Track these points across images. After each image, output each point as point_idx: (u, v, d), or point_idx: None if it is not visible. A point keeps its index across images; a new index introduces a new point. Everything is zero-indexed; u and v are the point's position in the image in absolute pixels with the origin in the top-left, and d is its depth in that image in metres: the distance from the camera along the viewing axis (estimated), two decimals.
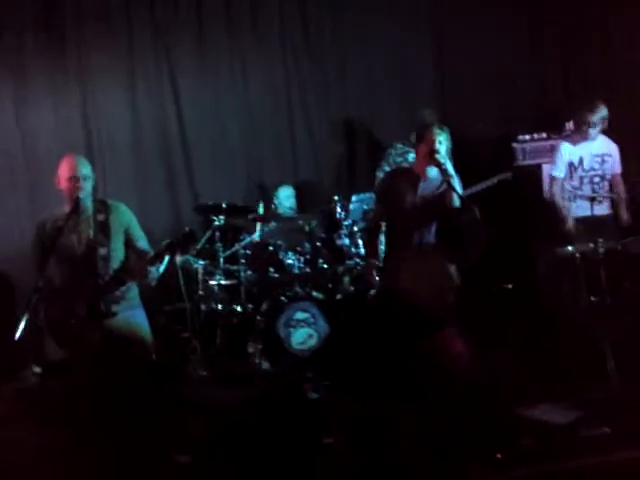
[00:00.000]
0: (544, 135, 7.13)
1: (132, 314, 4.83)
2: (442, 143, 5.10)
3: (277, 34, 7.47)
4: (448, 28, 7.60)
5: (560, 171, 6.34)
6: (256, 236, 6.56)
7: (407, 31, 7.57)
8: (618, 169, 6.38)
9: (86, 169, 4.82)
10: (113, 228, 4.80)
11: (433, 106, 6.97)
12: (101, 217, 4.77)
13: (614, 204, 6.34)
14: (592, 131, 6.18)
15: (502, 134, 7.31)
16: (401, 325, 5.12)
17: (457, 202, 5.06)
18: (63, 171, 4.79)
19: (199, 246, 6.27)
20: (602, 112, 6.15)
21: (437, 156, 5.05)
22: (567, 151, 6.33)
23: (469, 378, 4.75)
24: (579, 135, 6.32)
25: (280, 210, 7.02)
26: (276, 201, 7.06)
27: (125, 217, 4.90)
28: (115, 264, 4.81)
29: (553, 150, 6.58)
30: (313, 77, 7.55)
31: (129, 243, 4.89)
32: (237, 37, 7.36)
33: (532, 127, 7.20)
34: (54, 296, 4.65)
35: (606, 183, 6.34)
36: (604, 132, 6.27)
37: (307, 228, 6.54)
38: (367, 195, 6.67)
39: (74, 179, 4.73)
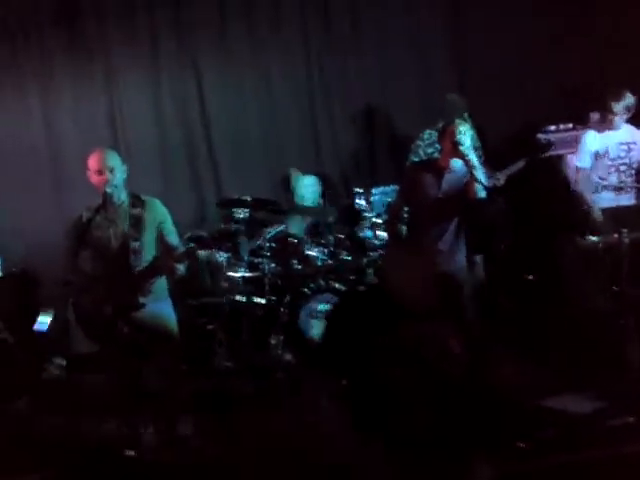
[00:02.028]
0: (570, 125, 7.07)
1: (159, 307, 4.85)
2: (465, 134, 5.09)
3: (298, 26, 7.46)
4: (469, 16, 7.53)
5: (584, 161, 6.30)
6: (279, 229, 6.56)
7: (427, 19, 7.56)
8: None
9: (113, 160, 4.82)
10: (146, 223, 4.82)
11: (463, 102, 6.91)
12: (135, 211, 4.79)
13: None
14: (617, 120, 6.13)
15: (526, 124, 7.26)
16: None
17: (482, 193, 5.05)
18: (91, 165, 4.81)
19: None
20: (628, 100, 6.09)
21: (461, 148, 5.05)
22: (591, 140, 6.28)
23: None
24: (604, 124, 6.27)
25: (302, 200, 7.00)
26: (298, 191, 7.01)
27: (159, 212, 4.92)
28: (146, 258, 4.83)
29: (578, 141, 6.54)
30: (334, 69, 7.52)
31: (161, 238, 4.92)
32: (259, 31, 7.36)
33: (557, 117, 7.14)
34: (85, 289, 4.67)
35: (633, 172, 6.28)
36: (629, 120, 6.22)
37: (328, 220, 6.54)
38: (389, 187, 6.67)
39: (100, 172, 4.74)
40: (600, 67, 7.21)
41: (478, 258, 5.86)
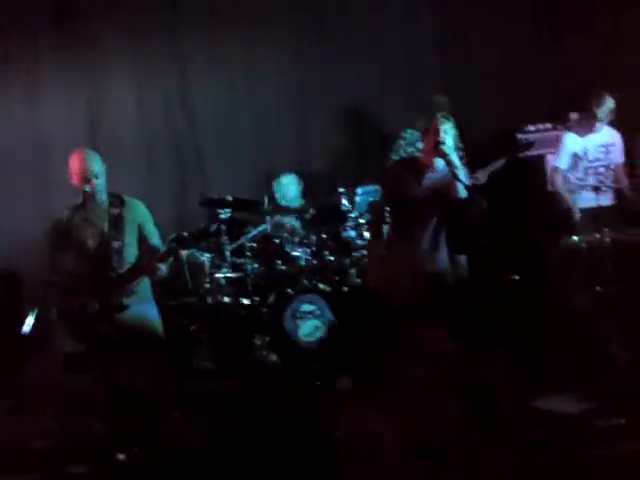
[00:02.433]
0: (549, 126, 7.12)
1: (143, 308, 4.84)
2: (447, 132, 5.11)
3: (286, 23, 7.49)
4: (453, 16, 7.58)
5: (563, 162, 6.35)
6: (262, 229, 6.54)
7: (413, 19, 7.61)
8: (620, 158, 6.38)
9: (96, 165, 4.80)
10: (127, 222, 4.81)
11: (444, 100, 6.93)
12: (115, 211, 4.78)
13: (619, 194, 6.33)
14: (599, 123, 6.18)
15: (506, 124, 7.29)
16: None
17: (463, 193, 5.06)
18: (73, 166, 4.78)
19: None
20: (609, 104, 6.14)
21: (442, 147, 5.06)
22: (571, 142, 6.33)
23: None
24: (584, 126, 6.32)
25: (283, 199, 7.00)
26: (278, 189, 6.98)
27: (140, 213, 4.91)
28: (129, 258, 4.82)
29: (558, 140, 6.58)
30: (321, 68, 7.53)
31: (142, 239, 4.88)
32: (246, 26, 7.36)
33: (537, 117, 7.18)
34: (67, 290, 4.66)
35: (611, 173, 6.35)
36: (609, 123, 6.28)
37: (307, 216, 6.57)
38: (373, 187, 6.67)
39: (85, 178, 4.72)
40: (581, 66, 7.25)
41: (461, 258, 5.87)
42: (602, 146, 6.31)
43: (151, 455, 4.60)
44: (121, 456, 4.65)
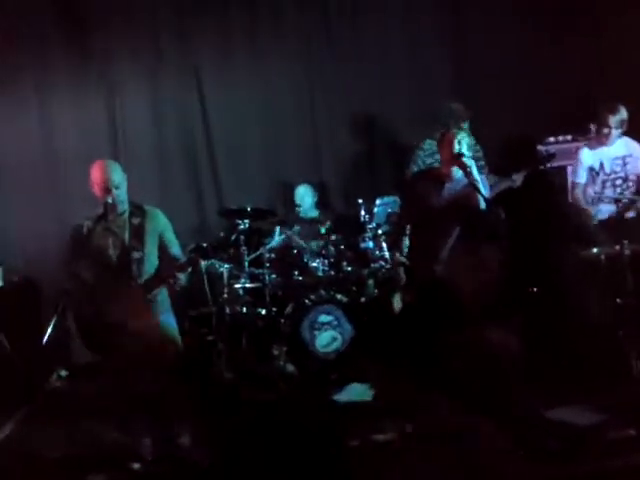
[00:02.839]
0: (569, 137, 7.10)
1: (162, 318, 4.86)
2: (461, 142, 5.12)
3: (299, 34, 7.52)
4: (468, 25, 7.62)
5: (580, 177, 6.33)
6: (280, 239, 6.56)
7: (427, 29, 7.66)
8: None
9: (118, 176, 4.85)
10: (148, 232, 4.85)
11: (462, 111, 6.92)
12: (136, 221, 4.82)
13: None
14: (612, 134, 6.13)
15: (524, 135, 7.27)
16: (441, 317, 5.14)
17: (482, 204, 5.06)
18: (95, 177, 4.83)
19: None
20: (622, 114, 6.10)
21: (462, 159, 5.08)
22: (586, 157, 6.30)
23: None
24: (598, 139, 6.27)
25: (302, 210, 7.04)
26: (297, 200, 7.07)
27: (160, 223, 4.95)
28: (149, 268, 4.84)
29: (577, 152, 6.55)
30: (334, 77, 7.57)
31: (162, 249, 4.91)
32: (260, 38, 7.40)
33: (555, 129, 7.16)
34: (85, 299, 4.68)
35: (630, 184, 6.29)
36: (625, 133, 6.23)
37: (323, 230, 6.57)
38: (391, 198, 6.68)
39: (106, 188, 4.76)
40: (600, 78, 7.22)
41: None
42: (618, 158, 6.25)
43: (166, 465, 4.64)
44: (136, 466, 4.69)
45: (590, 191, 6.31)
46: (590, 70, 7.33)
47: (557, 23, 7.43)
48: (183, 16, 7.21)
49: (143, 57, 7.17)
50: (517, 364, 4.92)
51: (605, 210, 6.23)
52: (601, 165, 6.26)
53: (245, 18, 7.38)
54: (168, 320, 4.94)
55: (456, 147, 5.12)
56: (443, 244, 5.23)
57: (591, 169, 6.28)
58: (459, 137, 5.13)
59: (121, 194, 4.82)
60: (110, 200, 4.75)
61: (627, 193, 6.26)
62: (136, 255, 4.78)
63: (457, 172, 5.21)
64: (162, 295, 4.93)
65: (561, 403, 4.59)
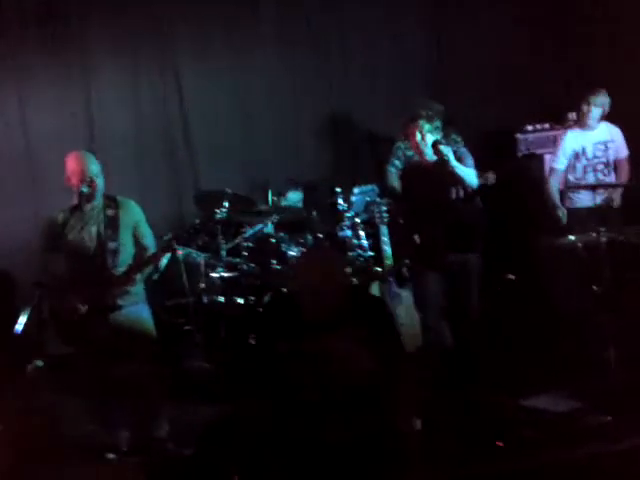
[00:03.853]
0: (547, 126, 7.12)
1: (136, 309, 4.83)
2: (430, 133, 5.17)
3: (278, 29, 7.46)
4: (449, 20, 7.61)
5: (560, 163, 6.35)
6: (257, 228, 6.53)
7: (408, 24, 7.61)
8: (622, 153, 6.33)
9: (96, 166, 4.80)
10: (122, 223, 4.81)
11: (434, 99, 6.92)
12: (110, 212, 4.78)
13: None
14: (593, 118, 6.15)
15: (504, 125, 7.28)
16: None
17: (471, 181, 5.16)
18: (71, 168, 4.77)
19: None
20: (603, 99, 6.12)
21: (439, 147, 5.11)
22: (569, 142, 6.31)
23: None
24: (581, 124, 6.30)
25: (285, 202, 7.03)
26: (285, 203, 7.02)
27: (134, 213, 4.91)
28: (124, 259, 4.81)
29: (556, 141, 6.57)
30: (315, 72, 7.54)
31: (136, 239, 4.90)
32: (238, 32, 7.33)
33: (534, 118, 7.17)
34: (61, 291, 4.65)
35: (611, 169, 6.31)
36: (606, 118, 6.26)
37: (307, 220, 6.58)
38: (369, 187, 6.65)
39: (82, 177, 4.71)
40: (577, 67, 7.23)
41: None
42: (600, 143, 6.28)
43: (143, 455, 4.64)
44: (112, 456, 4.68)
45: (570, 178, 6.32)
46: (569, 60, 7.33)
47: (535, 15, 7.41)
48: (161, 9, 7.13)
49: (121, 46, 7.08)
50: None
51: (584, 198, 6.23)
52: (583, 150, 6.27)
53: (224, 12, 7.30)
54: (143, 312, 4.90)
55: (418, 136, 5.18)
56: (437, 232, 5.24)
57: (574, 154, 6.28)
58: (425, 129, 5.17)
59: (99, 185, 4.77)
60: (86, 191, 4.70)
61: (607, 179, 6.27)
62: (112, 246, 4.74)
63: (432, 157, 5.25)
64: (137, 286, 4.89)
65: (536, 391, 4.62)
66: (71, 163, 4.78)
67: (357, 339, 5.16)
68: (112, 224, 4.74)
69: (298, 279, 5.69)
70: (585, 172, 6.31)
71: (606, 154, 6.28)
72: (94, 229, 4.75)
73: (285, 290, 6.11)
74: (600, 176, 6.29)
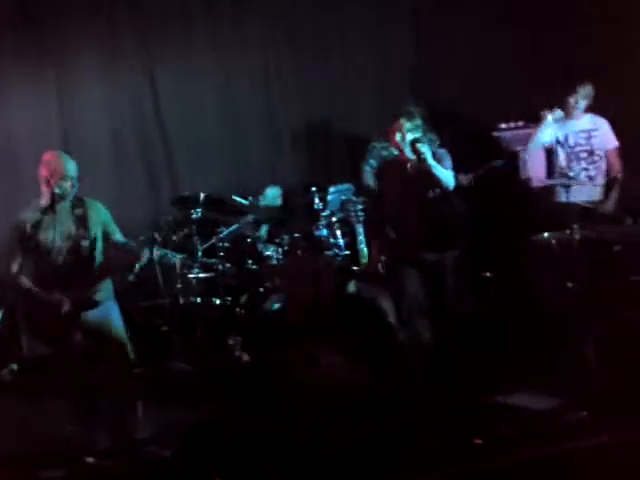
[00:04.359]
0: (521, 123, 7.13)
1: (107, 306, 4.84)
2: (410, 132, 5.18)
3: (258, 29, 7.44)
4: (428, 20, 7.62)
5: (532, 152, 6.34)
6: (233, 228, 6.51)
7: (386, 25, 7.59)
8: (610, 144, 6.31)
9: (74, 169, 4.79)
10: (91, 222, 4.81)
11: (412, 100, 6.94)
12: (79, 212, 4.78)
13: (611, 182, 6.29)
14: (578, 105, 6.17)
15: (479, 125, 7.31)
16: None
17: (447, 182, 5.19)
18: (50, 168, 4.72)
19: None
20: (587, 89, 6.15)
21: (417, 145, 5.14)
22: (550, 128, 6.29)
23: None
24: (566, 112, 6.29)
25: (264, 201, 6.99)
26: (263, 201, 6.98)
27: (101, 213, 4.92)
28: (96, 257, 4.82)
29: (529, 138, 6.59)
30: (293, 72, 7.54)
31: (106, 237, 4.89)
32: (218, 32, 7.32)
33: (509, 117, 7.20)
34: (34, 292, 4.64)
35: (596, 159, 6.29)
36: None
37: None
38: (345, 186, 6.65)
39: (60, 177, 4.69)
40: (554, 64, 7.26)
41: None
42: (583, 131, 6.27)
43: (122, 457, 4.61)
44: (90, 459, 4.65)
45: (558, 169, 6.32)
46: (545, 57, 7.35)
47: (515, 14, 7.42)
48: (137, 8, 7.09)
49: (95, 50, 7.02)
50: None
51: (576, 192, 6.18)
52: (566, 138, 6.28)
53: (204, 11, 7.29)
54: (113, 308, 4.89)
55: (398, 135, 5.22)
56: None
57: (556, 141, 6.28)
58: (407, 127, 5.19)
59: (76, 188, 4.77)
60: (60, 191, 4.67)
61: (592, 168, 6.27)
62: (84, 243, 4.75)
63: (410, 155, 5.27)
64: (107, 284, 4.89)
65: (515, 388, 4.64)
66: (51, 163, 4.74)
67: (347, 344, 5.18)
68: (82, 223, 4.76)
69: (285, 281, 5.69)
70: (570, 161, 6.28)
71: (589, 142, 6.26)
72: (65, 228, 4.74)
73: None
74: (584, 164, 6.28)
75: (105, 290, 4.84)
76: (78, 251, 4.72)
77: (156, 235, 4.82)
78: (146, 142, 7.23)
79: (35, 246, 4.66)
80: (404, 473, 3.91)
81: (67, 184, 4.69)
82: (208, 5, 7.32)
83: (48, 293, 4.60)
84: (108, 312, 4.83)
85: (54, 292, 4.61)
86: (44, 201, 4.70)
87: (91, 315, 4.71)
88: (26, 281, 4.63)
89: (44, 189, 4.71)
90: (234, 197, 6.66)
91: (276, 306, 5.96)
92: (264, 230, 6.75)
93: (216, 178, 7.25)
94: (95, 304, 4.70)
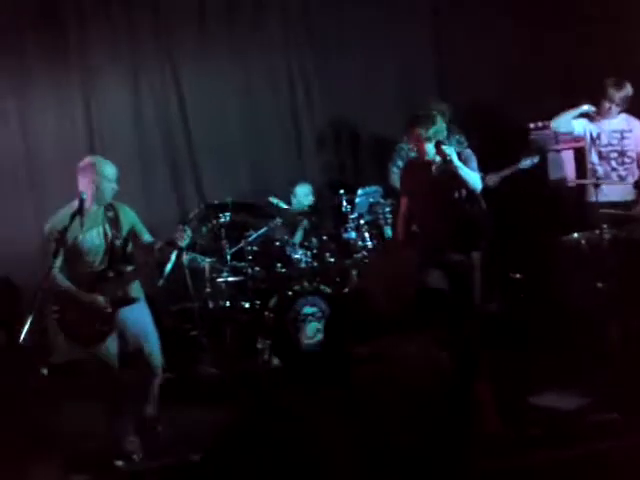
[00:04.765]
0: (549, 123, 7.06)
1: (141, 307, 4.95)
2: (428, 140, 5.17)
3: (280, 32, 7.46)
4: (448, 21, 7.60)
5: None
6: (262, 232, 6.52)
7: (408, 26, 7.58)
8: None
9: (115, 172, 4.91)
10: (122, 224, 4.92)
11: (439, 99, 6.90)
12: (110, 214, 4.89)
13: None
14: (613, 110, 6.09)
15: (507, 126, 7.26)
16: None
17: (474, 185, 5.16)
18: (99, 172, 4.81)
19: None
20: (627, 91, 6.05)
21: (441, 147, 5.11)
22: (583, 124, 6.23)
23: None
24: (599, 113, 6.21)
25: (297, 207, 6.98)
26: (294, 199, 6.98)
27: (130, 215, 5.01)
28: (128, 257, 4.94)
29: (556, 138, 6.53)
30: (316, 74, 7.54)
31: (135, 239, 4.98)
32: (240, 35, 7.33)
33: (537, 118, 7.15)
34: (73, 292, 4.70)
35: (627, 160, 6.19)
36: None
37: (306, 224, 6.62)
38: (373, 188, 6.67)
39: (109, 182, 4.82)
40: (582, 64, 7.20)
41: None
42: (616, 131, 6.16)
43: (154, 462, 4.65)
44: (120, 463, 4.70)
45: (589, 165, 6.24)
46: (569, 58, 7.28)
47: (537, 13, 7.37)
48: (160, 12, 7.11)
49: (121, 54, 7.06)
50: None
51: (607, 191, 6.04)
52: (598, 136, 6.19)
53: (225, 15, 7.29)
54: (144, 311, 4.96)
55: (418, 144, 5.22)
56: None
57: (590, 138, 6.21)
58: (429, 133, 5.18)
59: (115, 188, 4.88)
60: (102, 194, 4.79)
61: (621, 169, 6.19)
62: (118, 243, 4.86)
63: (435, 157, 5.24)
64: (136, 283, 4.96)
65: (545, 388, 4.60)
66: (97, 166, 4.84)
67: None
68: (114, 225, 4.87)
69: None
70: (600, 158, 6.22)
71: (621, 143, 6.14)
72: (101, 229, 4.84)
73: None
74: (614, 164, 6.20)
75: (137, 290, 4.92)
76: (113, 251, 4.82)
77: (162, 244, 4.85)
78: (171, 144, 7.24)
79: (73, 247, 4.74)
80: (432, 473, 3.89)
81: (110, 187, 4.82)
82: (229, 7, 7.32)
83: (87, 293, 4.68)
84: (142, 314, 4.92)
85: (92, 292, 4.69)
86: (86, 204, 4.75)
87: (127, 314, 4.79)
88: (65, 281, 4.69)
89: (87, 191, 4.77)
90: (271, 199, 6.70)
91: None
92: (299, 235, 6.74)
93: (241, 180, 7.29)
94: (132, 300, 4.81)
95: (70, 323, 4.73)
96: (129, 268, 4.85)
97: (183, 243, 4.77)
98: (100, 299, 4.67)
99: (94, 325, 4.69)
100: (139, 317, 4.88)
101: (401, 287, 5.17)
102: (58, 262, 4.62)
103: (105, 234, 4.85)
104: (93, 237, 4.81)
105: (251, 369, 5.94)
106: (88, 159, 4.94)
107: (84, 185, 4.78)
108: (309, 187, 7.03)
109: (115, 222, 4.87)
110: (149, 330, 4.91)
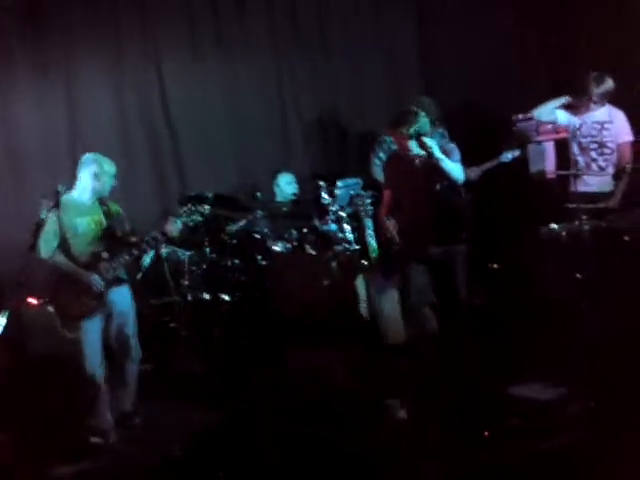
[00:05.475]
0: (530, 115, 7.07)
1: (127, 289, 5.16)
2: (415, 134, 5.21)
3: (265, 22, 7.44)
4: (433, 14, 7.61)
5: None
6: (241, 225, 6.50)
7: (393, 19, 7.60)
8: (623, 137, 6.13)
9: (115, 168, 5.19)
10: (113, 216, 5.14)
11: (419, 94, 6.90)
12: (104, 208, 5.14)
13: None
14: (595, 103, 6.08)
15: (488, 118, 7.26)
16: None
17: (455, 175, 5.25)
18: (103, 167, 5.10)
19: None
20: (606, 86, 6.04)
21: (422, 139, 5.15)
22: (567, 115, 6.23)
23: None
24: (581, 105, 6.21)
25: (281, 197, 6.96)
26: (276, 189, 6.96)
27: (115, 207, 5.22)
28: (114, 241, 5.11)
29: (539, 129, 6.54)
30: (302, 66, 7.54)
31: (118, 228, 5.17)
32: (225, 26, 7.31)
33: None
34: (70, 270, 4.91)
35: (607, 151, 6.19)
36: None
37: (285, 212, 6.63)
38: (353, 180, 6.63)
39: (112, 176, 5.13)
40: (561, 57, 7.22)
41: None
42: (597, 123, 6.15)
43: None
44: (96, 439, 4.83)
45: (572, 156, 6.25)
46: (552, 51, 7.31)
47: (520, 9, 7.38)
48: (145, 5, 7.08)
49: (104, 48, 7.00)
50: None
51: (589, 181, 6.09)
52: (580, 126, 6.18)
53: (210, 6, 7.28)
54: (128, 292, 5.15)
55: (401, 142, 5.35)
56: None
57: (572, 127, 6.21)
58: (403, 134, 5.26)
59: (114, 182, 5.17)
60: (103, 187, 5.08)
61: (601, 159, 6.19)
62: (110, 230, 5.07)
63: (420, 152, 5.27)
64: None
65: (523, 379, 4.62)
66: (101, 162, 5.13)
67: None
68: (108, 215, 5.12)
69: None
70: (581, 149, 6.21)
71: (601, 134, 6.13)
72: (96, 217, 5.07)
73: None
74: (594, 155, 6.19)
75: (124, 274, 5.10)
76: (105, 237, 5.05)
77: (156, 234, 4.98)
78: (155, 139, 7.19)
79: (71, 231, 4.95)
80: (414, 465, 3.91)
81: (110, 182, 5.13)
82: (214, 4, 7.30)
83: (84, 271, 4.90)
84: (127, 297, 5.15)
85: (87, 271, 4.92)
86: (86, 194, 5.07)
87: (115, 295, 5.01)
88: (65, 260, 4.90)
89: (87, 183, 5.06)
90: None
91: None
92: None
93: (225, 174, 7.25)
94: (122, 281, 5.05)
95: (62, 300, 4.90)
96: (119, 253, 4.99)
97: (175, 234, 5.02)
98: (96, 276, 4.87)
99: (86, 300, 4.88)
100: (125, 298, 5.11)
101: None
102: (55, 243, 4.86)
103: (100, 222, 5.07)
104: (88, 223, 5.03)
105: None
106: (90, 155, 5.16)
107: (85, 178, 5.06)
108: (291, 176, 7.03)
109: (108, 213, 5.12)
110: (131, 315, 5.13)
